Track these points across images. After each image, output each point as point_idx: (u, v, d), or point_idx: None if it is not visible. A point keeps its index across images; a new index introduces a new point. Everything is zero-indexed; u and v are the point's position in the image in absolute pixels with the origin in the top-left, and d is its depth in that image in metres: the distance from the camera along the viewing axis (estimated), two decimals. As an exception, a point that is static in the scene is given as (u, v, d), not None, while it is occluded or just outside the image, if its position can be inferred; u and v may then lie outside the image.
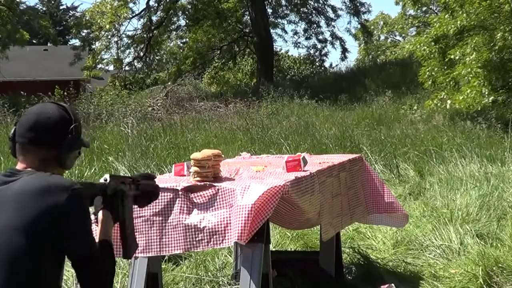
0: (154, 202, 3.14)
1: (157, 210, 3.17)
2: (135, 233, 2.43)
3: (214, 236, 3.04)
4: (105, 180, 2.24)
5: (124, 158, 8.81)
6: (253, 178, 3.36)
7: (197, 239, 3.07)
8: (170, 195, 3.18)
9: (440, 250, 5.02)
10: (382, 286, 4.13)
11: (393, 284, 4.16)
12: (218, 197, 3.10)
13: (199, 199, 3.14)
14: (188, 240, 3.09)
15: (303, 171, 3.48)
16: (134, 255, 3.19)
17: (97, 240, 2.07)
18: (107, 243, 2.09)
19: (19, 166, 2.01)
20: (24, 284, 1.84)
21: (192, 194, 3.16)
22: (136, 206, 2.42)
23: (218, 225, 3.03)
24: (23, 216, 1.84)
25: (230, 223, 3.00)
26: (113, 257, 2.08)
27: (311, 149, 8.83)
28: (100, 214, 2.18)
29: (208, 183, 3.18)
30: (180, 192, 3.17)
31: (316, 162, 3.94)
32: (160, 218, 3.15)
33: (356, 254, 5.06)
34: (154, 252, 3.16)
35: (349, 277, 4.62)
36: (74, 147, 2.06)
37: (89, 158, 8.66)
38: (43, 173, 1.95)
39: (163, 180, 3.35)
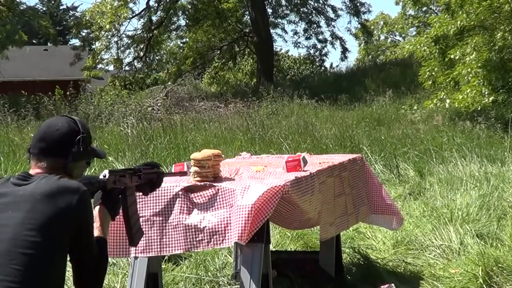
0: (154, 202, 3.17)
1: (157, 210, 3.17)
2: (140, 222, 2.49)
3: (214, 236, 3.03)
4: (104, 176, 2.28)
5: (124, 158, 8.81)
6: (253, 178, 3.36)
7: (197, 239, 3.07)
8: (170, 194, 3.18)
9: (440, 250, 5.02)
10: (382, 286, 4.13)
11: (393, 284, 4.16)
12: (218, 197, 3.10)
13: (199, 199, 3.14)
14: (188, 240, 3.09)
15: (303, 171, 3.48)
16: (134, 255, 3.22)
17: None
18: (102, 240, 2.19)
19: (32, 172, 2.13)
20: (41, 279, 1.94)
21: (192, 194, 3.16)
22: (139, 199, 2.46)
23: (218, 225, 3.03)
24: (38, 217, 1.95)
25: (230, 223, 3.00)
26: (107, 254, 2.21)
27: (311, 149, 8.82)
28: (97, 209, 2.25)
29: (208, 183, 3.18)
30: (180, 192, 3.17)
31: (316, 162, 3.94)
32: (160, 218, 3.15)
33: (356, 254, 5.06)
34: (154, 252, 3.16)
35: (349, 277, 4.61)
36: (80, 157, 2.17)
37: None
38: (53, 176, 2.06)
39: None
